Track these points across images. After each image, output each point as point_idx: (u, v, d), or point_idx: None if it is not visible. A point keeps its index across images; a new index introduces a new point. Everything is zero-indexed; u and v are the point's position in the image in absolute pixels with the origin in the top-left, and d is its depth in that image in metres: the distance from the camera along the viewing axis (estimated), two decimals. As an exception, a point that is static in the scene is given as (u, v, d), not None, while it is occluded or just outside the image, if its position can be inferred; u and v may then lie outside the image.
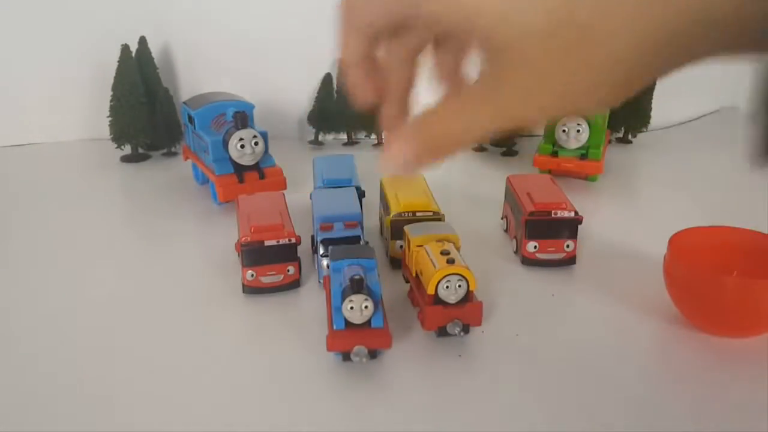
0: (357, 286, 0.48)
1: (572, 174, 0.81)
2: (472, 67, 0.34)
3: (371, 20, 0.34)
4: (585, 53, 0.28)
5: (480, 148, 0.94)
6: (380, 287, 0.50)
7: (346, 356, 0.49)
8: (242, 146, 0.70)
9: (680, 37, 0.28)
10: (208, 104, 0.75)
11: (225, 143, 0.70)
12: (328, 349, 0.48)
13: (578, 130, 0.78)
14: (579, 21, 0.28)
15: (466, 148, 0.48)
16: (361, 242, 0.58)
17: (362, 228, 0.59)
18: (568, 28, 0.28)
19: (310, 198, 0.63)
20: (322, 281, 0.58)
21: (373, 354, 0.49)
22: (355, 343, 0.48)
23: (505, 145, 0.93)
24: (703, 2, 0.27)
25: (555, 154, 0.80)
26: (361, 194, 0.66)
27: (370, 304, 0.48)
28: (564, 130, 0.79)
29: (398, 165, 0.34)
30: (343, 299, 0.48)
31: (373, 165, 0.82)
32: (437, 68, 0.38)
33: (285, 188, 0.73)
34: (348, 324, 0.48)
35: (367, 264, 0.52)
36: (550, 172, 0.80)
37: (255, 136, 0.71)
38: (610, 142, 0.93)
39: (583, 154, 0.80)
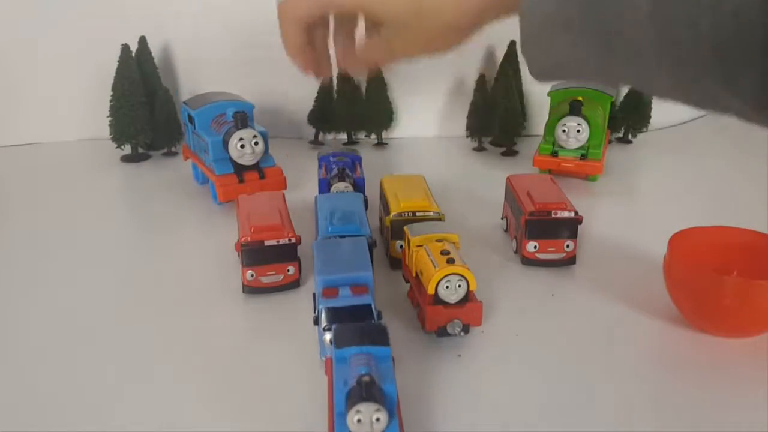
0: (366, 391, 0.38)
1: (572, 174, 0.81)
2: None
3: (301, 16, 0.52)
4: (428, 20, 0.47)
5: (480, 148, 0.94)
6: (396, 386, 0.40)
7: None
8: (242, 146, 0.70)
9: (484, 5, 0.46)
10: (208, 104, 0.75)
11: (225, 143, 0.70)
12: None
13: (578, 130, 0.78)
14: (423, 3, 0.47)
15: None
16: (373, 312, 0.48)
17: (373, 295, 0.49)
18: (418, 6, 0.47)
19: (312, 249, 0.54)
20: (323, 359, 0.48)
21: None
22: None
23: (505, 145, 0.93)
24: None
25: (555, 154, 0.80)
26: (371, 245, 0.58)
27: (382, 416, 0.38)
28: (564, 130, 0.79)
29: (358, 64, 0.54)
30: (348, 405, 0.38)
31: (374, 165, 0.82)
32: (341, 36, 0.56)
33: (285, 188, 0.73)
34: None
35: (380, 353, 0.42)
36: (550, 172, 0.80)
37: (255, 136, 0.71)
38: (610, 142, 0.93)
39: (583, 154, 0.80)
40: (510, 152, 0.92)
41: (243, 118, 0.71)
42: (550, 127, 0.80)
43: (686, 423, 0.45)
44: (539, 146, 0.82)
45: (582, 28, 0.38)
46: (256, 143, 0.71)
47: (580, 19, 0.38)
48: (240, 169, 0.72)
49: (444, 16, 0.47)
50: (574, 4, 0.38)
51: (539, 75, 0.43)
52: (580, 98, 0.79)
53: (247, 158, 0.71)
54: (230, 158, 0.71)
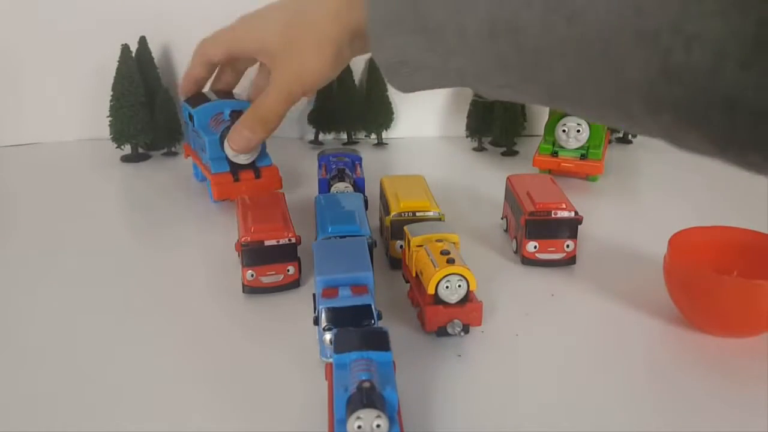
0: (367, 397, 0.38)
1: (572, 174, 0.81)
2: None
3: (210, 57, 0.72)
4: (301, 56, 0.61)
5: (480, 148, 0.94)
6: (397, 392, 0.40)
7: None
8: None
9: (352, 33, 0.57)
10: (206, 103, 0.75)
11: (222, 142, 0.71)
12: None
13: (578, 130, 0.78)
14: (294, 42, 0.61)
15: (279, 118, 0.66)
16: (373, 313, 0.48)
17: (373, 295, 0.49)
18: (289, 46, 0.61)
19: (312, 249, 0.54)
20: (323, 359, 0.48)
21: None
22: None
23: (505, 145, 0.93)
24: (356, 18, 0.55)
25: (555, 154, 0.80)
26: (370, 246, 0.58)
27: (383, 422, 0.37)
28: (564, 130, 0.79)
29: (242, 138, 0.68)
30: (348, 411, 0.38)
31: (374, 165, 0.82)
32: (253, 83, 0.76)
33: (281, 187, 0.73)
34: None
35: (381, 358, 0.42)
36: (550, 172, 0.80)
37: None
38: (610, 142, 0.93)
39: (583, 154, 0.80)
40: (510, 152, 0.92)
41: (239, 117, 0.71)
42: (550, 127, 0.80)
43: (686, 423, 0.45)
44: (539, 146, 0.82)
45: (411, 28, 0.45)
46: None
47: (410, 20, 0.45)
48: (236, 168, 0.72)
49: (312, 53, 0.60)
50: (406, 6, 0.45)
51: (389, 76, 0.50)
52: None
53: (242, 157, 0.71)
54: (226, 157, 0.71)
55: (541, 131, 0.83)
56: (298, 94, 0.64)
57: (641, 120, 0.35)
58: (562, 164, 0.80)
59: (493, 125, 0.91)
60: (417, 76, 0.49)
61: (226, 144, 0.69)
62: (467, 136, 0.93)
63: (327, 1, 0.57)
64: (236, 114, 0.71)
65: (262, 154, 0.73)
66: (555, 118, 0.80)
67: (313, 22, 0.59)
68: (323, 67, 0.60)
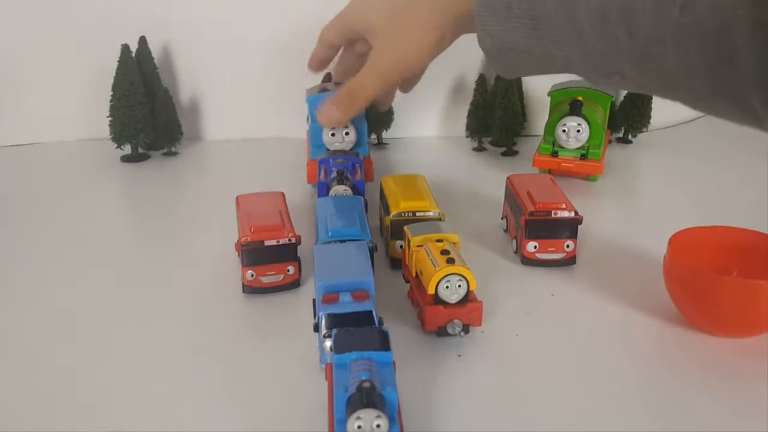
0: (367, 397, 0.38)
1: (572, 174, 0.81)
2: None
3: (328, 39, 0.74)
4: (403, 40, 0.62)
5: (480, 148, 0.94)
6: (397, 392, 0.40)
7: None
8: (333, 134, 0.73)
9: (457, 20, 0.58)
10: (317, 93, 0.78)
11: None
12: None
13: (578, 130, 0.78)
14: (398, 25, 0.62)
15: (370, 99, 0.67)
16: (374, 319, 0.47)
17: (374, 301, 0.48)
18: (393, 28, 0.63)
19: (312, 253, 0.54)
20: (323, 366, 0.47)
21: None
22: None
23: (505, 145, 0.93)
24: (462, 5, 0.56)
25: (555, 154, 0.80)
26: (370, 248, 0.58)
27: (383, 422, 0.37)
28: (564, 130, 0.79)
29: (331, 115, 0.69)
30: (348, 411, 0.38)
31: (375, 165, 0.81)
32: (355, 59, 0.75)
33: (372, 180, 0.74)
34: None
35: (381, 358, 0.42)
36: (550, 172, 0.80)
37: (346, 127, 0.73)
38: (610, 142, 0.93)
39: (583, 154, 0.80)
40: (510, 152, 0.92)
41: None
42: (550, 127, 0.80)
43: (686, 423, 0.45)
44: (539, 146, 0.82)
45: (518, 14, 0.46)
46: (347, 133, 0.73)
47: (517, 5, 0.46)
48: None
49: (421, 29, 0.60)
50: None
51: (495, 62, 0.52)
52: (580, 98, 0.79)
53: (336, 146, 0.73)
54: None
55: (541, 131, 0.83)
56: (394, 78, 0.66)
57: (761, 114, 0.34)
58: (562, 164, 0.80)
59: (493, 125, 0.91)
60: (522, 61, 0.49)
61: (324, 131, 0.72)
62: (467, 136, 0.93)
63: None
64: None
65: (361, 145, 0.75)
66: (555, 118, 0.80)
67: (418, 7, 0.60)
68: (423, 53, 0.62)
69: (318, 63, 0.77)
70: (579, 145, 0.79)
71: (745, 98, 0.34)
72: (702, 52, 0.34)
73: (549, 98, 0.83)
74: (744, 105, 0.34)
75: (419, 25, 0.60)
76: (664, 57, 0.37)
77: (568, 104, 0.79)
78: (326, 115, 0.69)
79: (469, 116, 0.92)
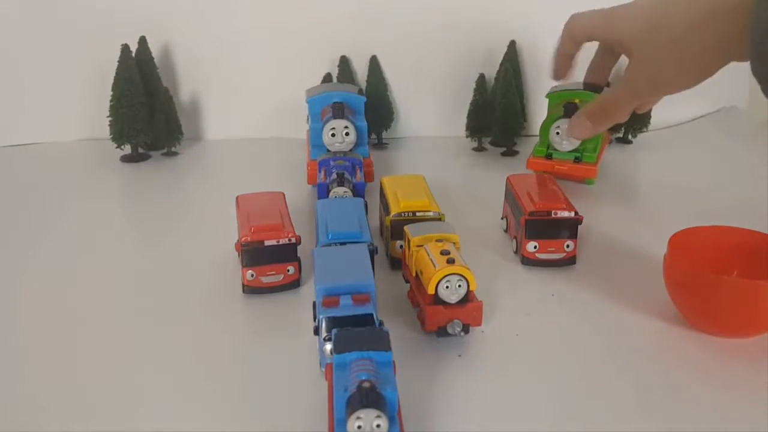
0: (366, 397, 0.38)
1: (566, 177, 0.79)
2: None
3: (580, 37, 0.67)
4: (659, 62, 0.56)
5: (480, 148, 0.94)
6: (397, 392, 0.40)
7: None
8: (333, 135, 0.73)
9: (726, 48, 0.51)
10: (318, 94, 0.79)
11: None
12: None
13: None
14: (653, 45, 0.56)
15: (623, 115, 0.65)
16: (375, 323, 0.46)
17: (375, 304, 0.48)
18: (648, 47, 0.57)
19: (312, 255, 0.53)
20: (323, 368, 0.46)
21: None
22: None
23: (505, 145, 0.93)
24: (733, 30, 0.48)
25: (549, 156, 0.79)
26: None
27: (383, 422, 0.37)
28: (558, 132, 0.77)
29: (584, 128, 0.68)
30: (348, 411, 0.38)
31: (375, 165, 0.81)
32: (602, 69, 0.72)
33: (372, 180, 0.75)
34: None
35: (381, 358, 0.42)
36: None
37: (346, 127, 0.72)
38: (610, 142, 0.93)
39: (578, 157, 0.78)
40: (510, 152, 0.92)
41: (340, 108, 0.74)
42: (545, 129, 0.79)
43: (686, 423, 0.45)
44: (534, 148, 0.80)
45: None
46: (347, 134, 0.73)
47: None
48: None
49: (695, 46, 0.53)
50: None
51: None
52: (576, 101, 0.78)
53: (336, 147, 0.73)
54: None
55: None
56: (647, 96, 0.64)
57: None
58: (556, 167, 0.78)
59: (493, 125, 0.91)
60: None
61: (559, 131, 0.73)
62: (467, 136, 0.93)
63: (696, 7, 0.52)
64: (337, 105, 0.74)
65: (361, 146, 0.75)
66: (550, 120, 0.79)
67: (676, 29, 0.54)
68: (681, 78, 0.57)
69: (566, 59, 0.70)
70: (572, 147, 0.77)
71: None
72: None
73: (547, 100, 0.82)
74: None
75: (675, 49, 0.55)
76: None
77: (563, 107, 0.78)
78: (578, 126, 0.68)
79: (468, 116, 0.92)
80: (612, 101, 0.65)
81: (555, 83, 0.79)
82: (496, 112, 0.90)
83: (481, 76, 0.91)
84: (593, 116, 0.67)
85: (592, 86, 0.75)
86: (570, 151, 0.78)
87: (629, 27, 0.59)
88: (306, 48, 0.92)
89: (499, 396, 0.47)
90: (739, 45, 0.45)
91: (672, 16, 0.54)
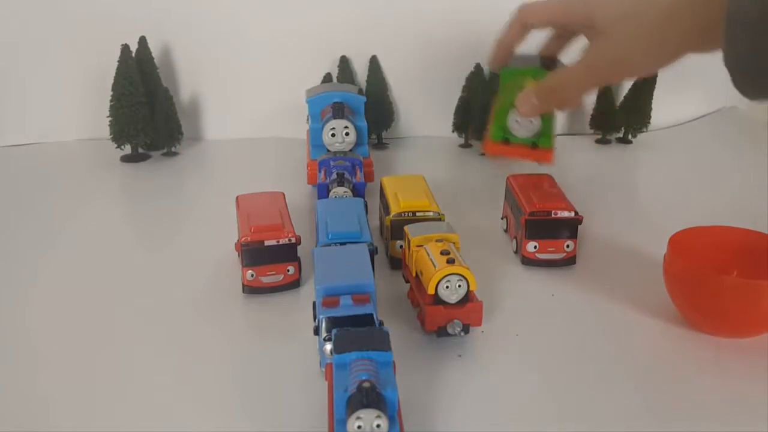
0: (366, 397, 0.38)
1: (524, 160, 0.70)
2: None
3: (529, 21, 0.62)
4: (627, 44, 0.53)
5: (466, 145, 0.93)
6: (397, 392, 0.40)
7: None
8: (333, 135, 0.73)
9: (697, 35, 0.48)
10: (318, 94, 0.79)
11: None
12: None
13: (531, 120, 0.68)
14: (622, 26, 0.53)
15: (574, 98, 0.60)
16: (375, 322, 0.46)
17: (375, 304, 0.48)
18: (617, 29, 0.53)
19: (312, 255, 0.53)
20: (323, 368, 0.46)
21: None
22: None
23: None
24: (706, 19, 0.46)
25: (506, 140, 0.70)
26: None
27: (383, 422, 0.38)
28: (517, 120, 0.68)
29: (530, 105, 0.62)
30: (348, 412, 0.38)
31: (375, 165, 0.81)
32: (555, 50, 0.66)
33: (372, 180, 0.74)
34: None
35: (381, 357, 0.42)
36: (500, 158, 0.71)
37: (346, 127, 0.72)
38: (610, 142, 0.92)
39: (534, 142, 0.69)
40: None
41: (340, 108, 0.74)
42: (502, 111, 0.70)
43: (686, 423, 0.45)
44: (490, 131, 0.71)
45: None
46: (347, 134, 0.73)
47: None
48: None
49: (665, 29, 0.51)
50: None
51: (746, 89, 0.45)
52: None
53: (337, 147, 0.73)
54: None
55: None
56: (606, 80, 0.60)
57: None
58: (513, 151, 0.70)
59: (473, 121, 0.91)
60: None
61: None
62: (453, 131, 0.93)
63: None
64: (337, 105, 0.74)
65: (361, 146, 0.75)
66: (507, 102, 0.69)
67: (653, 16, 0.53)
68: (647, 62, 0.55)
69: (506, 48, 0.66)
70: (530, 134, 0.69)
71: None
72: None
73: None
74: None
75: (645, 32, 0.53)
76: None
77: (520, 89, 0.74)
78: (525, 103, 0.63)
79: (455, 113, 0.92)
80: (566, 82, 0.60)
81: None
82: (473, 110, 0.90)
83: (472, 74, 0.91)
84: (541, 95, 0.62)
85: (550, 61, 0.69)
86: (527, 137, 0.69)
87: (605, 12, 0.57)
88: (306, 48, 0.92)
89: (499, 396, 0.47)
90: (715, 34, 0.45)
91: (650, 3, 0.53)
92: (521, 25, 0.64)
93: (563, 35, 0.66)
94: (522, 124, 0.72)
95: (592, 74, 0.59)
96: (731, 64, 0.44)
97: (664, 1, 0.51)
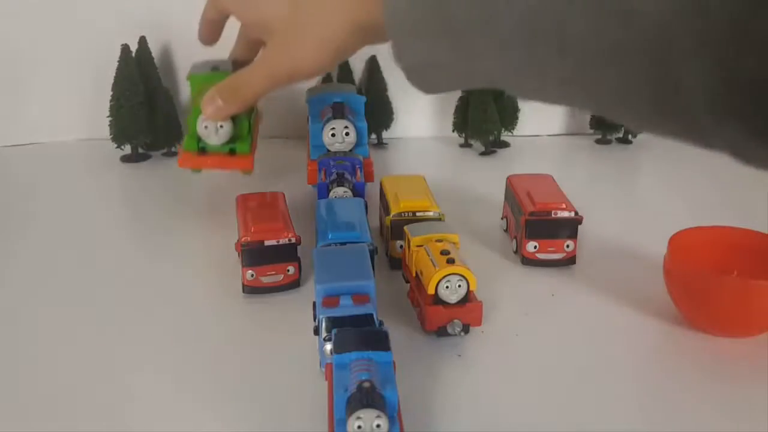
0: (366, 397, 0.38)
1: (222, 170, 0.68)
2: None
3: (221, 9, 0.64)
4: (301, 45, 0.55)
5: (466, 144, 0.93)
6: (397, 392, 0.40)
7: None
8: (333, 135, 0.72)
9: (362, 30, 0.52)
10: (319, 94, 0.78)
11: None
12: None
13: (221, 126, 0.65)
14: (296, 27, 0.55)
15: (256, 97, 0.61)
16: (375, 323, 0.46)
17: (375, 304, 0.48)
18: (291, 29, 0.56)
19: (312, 256, 0.53)
20: (323, 368, 0.46)
21: None
22: None
23: (483, 143, 0.93)
24: (368, 15, 0.50)
25: (203, 150, 0.66)
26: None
27: (383, 422, 0.37)
28: (206, 126, 0.65)
29: (215, 106, 0.61)
30: (348, 412, 0.38)
31: (374, 165, 0.81)
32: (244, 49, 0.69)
33: (372, 180, 0.72)
34: None
35: (381, 358, 0.42)
36: (200, 171, 0.67)
37: (346, 127, 0.72)
38: (610, 142, 0.93)
39: (232, 148, 0.67)
40: (488, 151, 0.92)
41: (340, 108, 0.73)
42: (193, 119, 0.66)
43: (686, 423, 0.45)
44: (185, 140, 0.67)
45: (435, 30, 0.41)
46: (347, 134, 0.72)
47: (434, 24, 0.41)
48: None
49: (325, 30, 0.54)
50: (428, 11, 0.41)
51: (414, 80, 0.46)
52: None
53: (336, 147, 0.73)
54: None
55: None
56: (284, 81, 0.59)
57: (708, 131, 0.31)
58: (209, 161, 0.66)
59: (471, 122, 0.91)
60: (442, 78, 0.45)
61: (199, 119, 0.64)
62: (453, 131, 0.93)
63: None
64: (337, 105, 0.74)
65: (360, 146, 0.74)
66: (197, 112, 0.65)
67: (320, 12, 0.54)
68: (321, 61, 0.56)
69: (211, 24, 0.67)
70: (222, 141, 0.66)
71: (694, 117, 0.31)
72: (645, 69, 0.31)
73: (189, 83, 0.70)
74: (693, 124, 0.32)
75: (317, 31, 0.54)
76: (603, 75, 0.34)
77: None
78: (209, 104, 0.61)
79: (455, 112, 0.93)
80: (245, 80, 0.60)
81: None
82: (470, 111, 0.90)
83: None
84: (224, 94, 0.60)
85: (242, 66, 0.64)
86: (222, 144, 0.66)
87: (272, 9, 0.57)
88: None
89: (499, 396, 0.47)
90: (381, 29, 0.45)
91: (316, 0, 0.54)
92: (212, 5, 0.65)
93: (253, 39, 0.67)
94: (211, 130, 0.64)
95: (270, 76, 0.59)
96: (401, 63, 0.45)
97: (325, 10, 0.53)
